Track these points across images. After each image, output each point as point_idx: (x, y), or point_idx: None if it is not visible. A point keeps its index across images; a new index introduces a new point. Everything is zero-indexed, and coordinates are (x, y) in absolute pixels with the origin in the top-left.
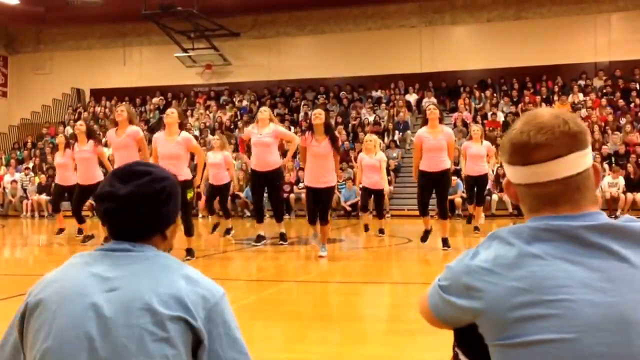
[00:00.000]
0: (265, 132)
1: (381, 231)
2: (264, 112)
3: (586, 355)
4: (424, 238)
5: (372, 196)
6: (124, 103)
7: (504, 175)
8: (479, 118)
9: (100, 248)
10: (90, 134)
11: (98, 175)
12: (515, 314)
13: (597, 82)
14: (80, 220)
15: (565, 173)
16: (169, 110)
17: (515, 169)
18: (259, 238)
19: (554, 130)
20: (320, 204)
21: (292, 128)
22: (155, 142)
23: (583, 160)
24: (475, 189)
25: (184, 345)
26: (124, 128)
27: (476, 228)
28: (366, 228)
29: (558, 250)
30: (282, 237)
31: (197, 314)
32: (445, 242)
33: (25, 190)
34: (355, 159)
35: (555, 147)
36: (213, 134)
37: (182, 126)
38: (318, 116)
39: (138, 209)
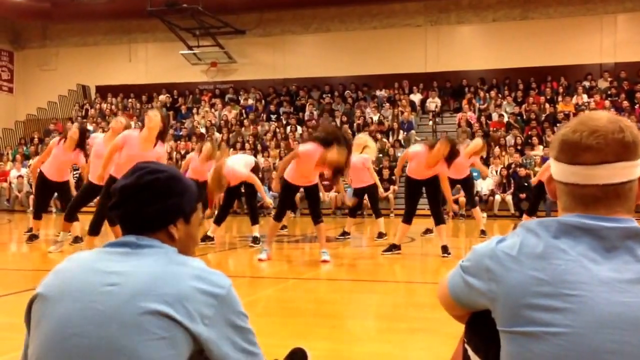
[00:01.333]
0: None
1: (380, 235)
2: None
3: (597, 350)
4: (389, 249)
5: (365, 196)
6: (120, 117)
7: (507, 176)
8: (483, 118)
9: (108, 244)
10: (81, 144)
11: (66, 175)
12: (532, 302)
13: (602, 84)
14: (39, 216)
15: (607, 180)
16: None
17: (560, 166)
18: (255, 239)
19: (607, 135)
20: (309, 202)
21: (299, 127)
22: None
23: (630, 170)
24: (462, 191)
25: (184, 346)
26: None
27: (429, 230)
28: (344, 233)
29: (583, 248)
30: (255, 240)
31: (199, 314)
32: (444, 249)
33: (31, 186)
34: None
35: (603, 153)
36: (220, 132)
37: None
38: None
39: (129, 201)
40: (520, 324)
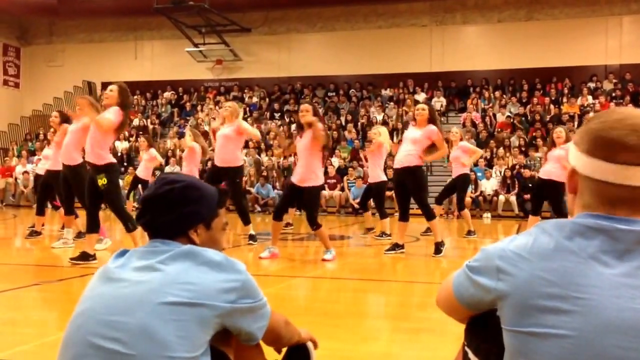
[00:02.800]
0: (228, 126)
1: (382, 234)
2: (227, 108)
3: (601, 355)
4: (392, 249)
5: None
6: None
7: (511, 177)
8: (487, 118)
9: (139, 248)
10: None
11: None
12: (539, 302)
13: (607, 85)
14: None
15: None
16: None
17: (592, 161)
18: (252, 237)
19: None
20: (303, 207)
21: None
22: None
23: None
24: (455, 191)
25: (200, 328)
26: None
27: (429, 229)
28: (367, 229)
29: (596, 250)
30: (251, 238)
31: (218, 299)
32: (437, 248)
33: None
34: (365, 158)
35: None
36: None
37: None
38: (305, 114)
39: (148, 211)
40: (527, 324)
